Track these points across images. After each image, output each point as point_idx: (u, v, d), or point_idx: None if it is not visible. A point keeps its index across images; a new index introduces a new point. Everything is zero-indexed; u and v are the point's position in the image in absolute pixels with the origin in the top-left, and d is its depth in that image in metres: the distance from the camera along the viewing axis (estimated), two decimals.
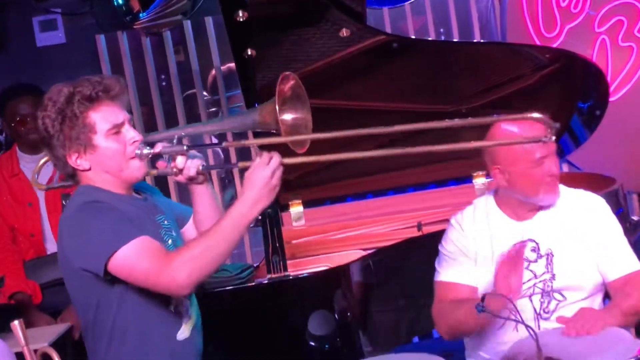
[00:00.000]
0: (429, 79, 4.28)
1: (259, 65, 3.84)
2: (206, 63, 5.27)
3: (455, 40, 5.31)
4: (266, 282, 3.64)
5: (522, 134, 3.00)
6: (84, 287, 2.72)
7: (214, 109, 5.39)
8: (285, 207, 4.36)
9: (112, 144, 2.68)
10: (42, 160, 3.00)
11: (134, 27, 5.09)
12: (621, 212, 4.11)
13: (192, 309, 2.85)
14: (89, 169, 2.71)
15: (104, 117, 2.67)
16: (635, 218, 4.53)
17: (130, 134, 2.70)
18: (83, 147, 2.67)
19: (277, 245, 3.69)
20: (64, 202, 4.35)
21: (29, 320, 4.14)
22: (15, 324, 2.92)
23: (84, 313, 2.78)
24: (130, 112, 2.79)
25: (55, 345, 3.74)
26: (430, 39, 5.24)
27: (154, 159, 2.79)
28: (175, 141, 2.74)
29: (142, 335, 2.74)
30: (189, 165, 2.72)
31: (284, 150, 2.65)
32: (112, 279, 2.66)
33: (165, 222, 2.83)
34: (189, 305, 2.83)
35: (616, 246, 3.12)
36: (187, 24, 5.18)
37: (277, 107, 2.65)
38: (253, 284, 3.67)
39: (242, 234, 2.65)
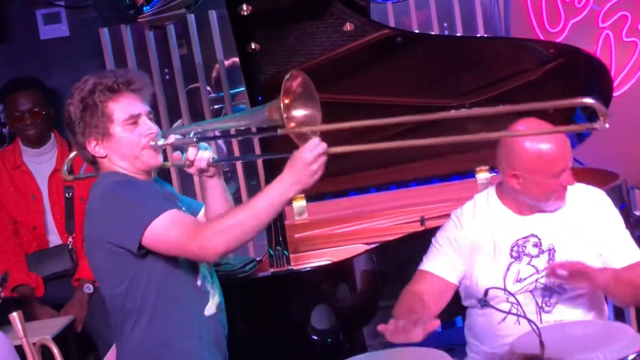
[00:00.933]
0: (432, 74, 4.27)
1: (263, 59, 3.84)
2: (210, 57, 5.26)
3: (459, 34, 5.30)
4: (269, 275, 3.64)
5: (551, 147, 3.02)
6: (115, 266, 2.81)
7: (218, 106, 5.38)
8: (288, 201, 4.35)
9: (127, 134, 2.81)
10: (73, 153, 3.10)
11: (138, 20, 5.08)
12: (624, 207, 4.10)
13: (216, 287, 2.94)
14: (105, 157, 2.83)
15: (122, 108, 2.80)
16: (638, 213, 4.53)
17: (147, 125, 2.84)
18: (101, 135, 2.81)
19: (280, 238, 3.69)
20: (66, 195, 4.37)
21: (31, 313, 4.15)
22: (14, 315, 2.93)
23: (113, 293, 2.85)
24: (151, 105, 2.91)
25: (57, 338, 3.75)
26: (433, 33, 5.23)
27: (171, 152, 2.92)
28: (192, 135, 2.84)
29: (171, 310, 2.83)
30: (200, 157, 2.82)
31: None
32: (143, 254, 2.76)
33: (183, 209, 2.93)
34: (212, 282, 2.93)
35: (619, 237, 3.12)
36: (191, 18, 5.17)
37: (282, 105, 2.68)
38: (256, 277, 3.67)
39: (276, 213, 2.70)
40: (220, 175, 2.93)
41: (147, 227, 2.70)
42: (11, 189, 4.39)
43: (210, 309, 2.89)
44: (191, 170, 2.87)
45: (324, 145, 2.59)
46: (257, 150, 5.02)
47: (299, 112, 2.73)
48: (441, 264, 3.17)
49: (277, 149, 2.73)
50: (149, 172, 2.89)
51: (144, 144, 2.82)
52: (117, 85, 2.80)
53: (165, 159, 2.94)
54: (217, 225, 2.68)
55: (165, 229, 2.70)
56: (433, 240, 3.24)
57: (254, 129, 3.22)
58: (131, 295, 2.82)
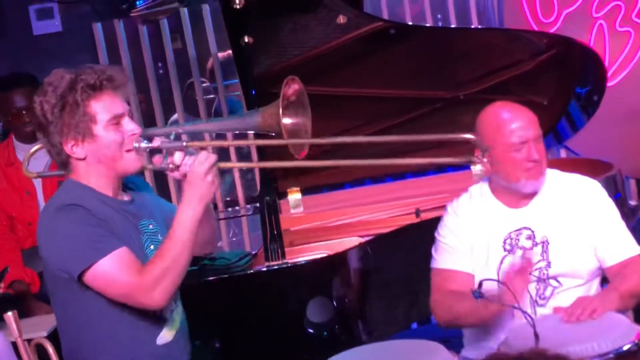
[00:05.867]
0: (426, 66, 4.27)
1: (256, 52, 3.83)
2: (203, 51, 5.26)
3: (452, 26, 5.30)
4: (264, 269, 3.64)
5: (510, 118, 3.04)
6: (58, 289, 2.71)
7: (211, 96, 5.38)
8: (284, 195, 4.35)
9: (110, 135, 2.64)
10: (34, 148, 2.92)
11: (131, 15, 5.08)
12: (619, 197, 4.10)
13: (176, 313, 2.81)
14: (84, 158, 2.67)
15: (105, 108, 2.63)
16: (633, 203, 4.54)
17: (130, 126, 2.67)
18: (81, 136, 2.63)
19: (275, 232, 3.68)
20: None
21: (27, 309, 4.14)
22: (9, 315, 2.91)
23: (57, 315, 2.78)
24: (128, 102, 2.77)
25: (53, 334, 3.74)
26: (427, 25, 5.23)
27: (151, 154, 2.76)
28: (173, 136, 2.72)
29: (114, 340, 2.70)
30: (186, 162, 2.68)
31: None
32: (84, 285, 2.64)
33: (151, 226, 2.79)
34: (173, 308, 2.79)
35: (614, 231, 3.09)
36: (184, 12, 5.17)
37: (280, 111, 2.67)
38: (251, 271, 3.67)
39: (195, 234, 2.65)
40: None
41: (93, 264, 2.58)
42: (5, 185, 4.38)
43: (165, 337, 2.74)
44: (175, 174, 2.72)
45: (213, 157, 2.65)
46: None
47: (288, 120, 2.74)
48: (456, 259, 3.12)
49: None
50: (121, 178, 2.74)
51: (127, 145, 2.65)
52: (100, 82, 2.61)
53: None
54: (155, 272, 2.59)
55: (111, 275, 2.59)
56: (438, 236, 3.19)
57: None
58: (73, 324, 2.73)
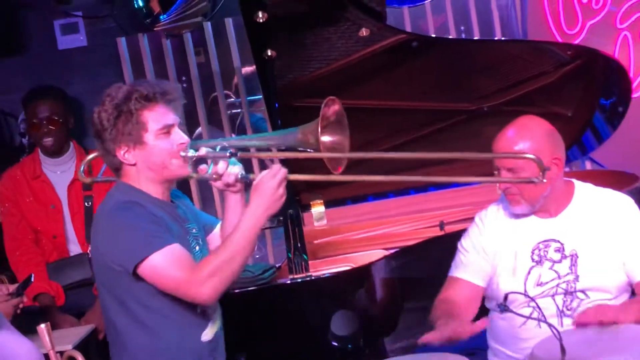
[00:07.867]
0: (450, 78, 4.27)
1: (279, 65, 3.85)
2: (227, 64, 5.28)
3: (476, 38, 5.29)
4: (288, 282, 3.65)
5: (497, 139, 3.09)
6: (113, 282, 2.83)
7: (236, 111, 5.39)
8: (307, 207, 4.36)
9: (160, 143, 2.82)
10: (91, 155, 3.10)
11: (155, 29, 5.11)
12: None
13: (217, 314, 2.96)
14: (135, 164, 2.84)
15: (156, 118, 2.82)
16: None
17: (179, 135, 2.85)
18: (133, 143, 2.82)
19: (299, 245, 3.69)
20: (86, 204, 4.38)
21: (52, 322, 4.16)
22: (42, 327, 2.94)
23: (109, 309, 2.88)
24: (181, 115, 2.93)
25: (79, 346, 3.76)
26: (450, 37, 5.22)
27: (197, 164, 2.92)
28: (219, 149, 2.86)
29: (164, 332, 2.83)
30: (229, 172, 2.84)
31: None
32: (137, 277, 2.77)
33: (194, 230, 2.96)
34: (215, 308, 2.94)
35: None
36: (208, 26, 5.19)
37: (319, 129, 2.78)
38: (275, 284, 3.67)
39: (256, 241, 2.78)
40: (244, 193, 2.94)
41: (146, 257, 2.73)
42: (31, 199, 4.41)
43: (208, 335, 2.90)
44: (217, 184, 2.88)
45: (285, 171, 2.77)
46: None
47: (327, 138, 2.83)
48: (469, 269, 3.16)
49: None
50: (171, 182, 2.92)
51: (175, 153, 2.83)
52: (154, 94, 2.81)
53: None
54: (208, 268, 2.72)
55: (165, 268, 2.73)
56: (459, 245, 3.23)
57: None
58: (124, 316, 2.85)
